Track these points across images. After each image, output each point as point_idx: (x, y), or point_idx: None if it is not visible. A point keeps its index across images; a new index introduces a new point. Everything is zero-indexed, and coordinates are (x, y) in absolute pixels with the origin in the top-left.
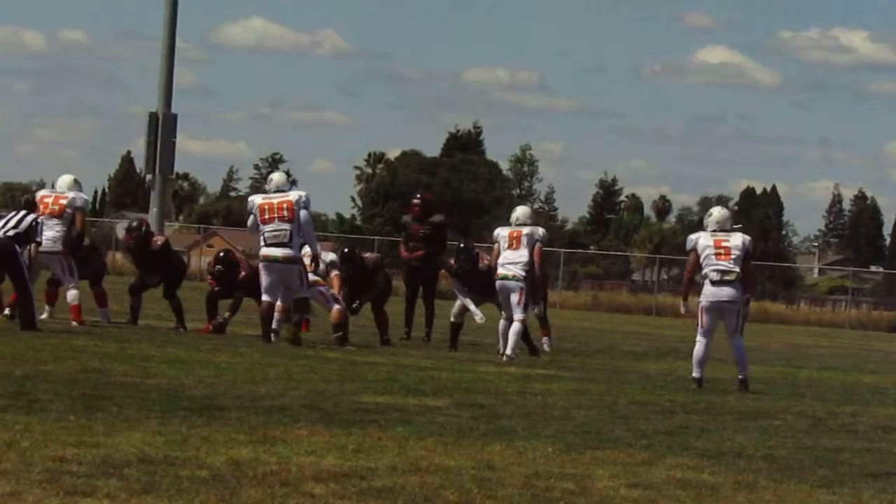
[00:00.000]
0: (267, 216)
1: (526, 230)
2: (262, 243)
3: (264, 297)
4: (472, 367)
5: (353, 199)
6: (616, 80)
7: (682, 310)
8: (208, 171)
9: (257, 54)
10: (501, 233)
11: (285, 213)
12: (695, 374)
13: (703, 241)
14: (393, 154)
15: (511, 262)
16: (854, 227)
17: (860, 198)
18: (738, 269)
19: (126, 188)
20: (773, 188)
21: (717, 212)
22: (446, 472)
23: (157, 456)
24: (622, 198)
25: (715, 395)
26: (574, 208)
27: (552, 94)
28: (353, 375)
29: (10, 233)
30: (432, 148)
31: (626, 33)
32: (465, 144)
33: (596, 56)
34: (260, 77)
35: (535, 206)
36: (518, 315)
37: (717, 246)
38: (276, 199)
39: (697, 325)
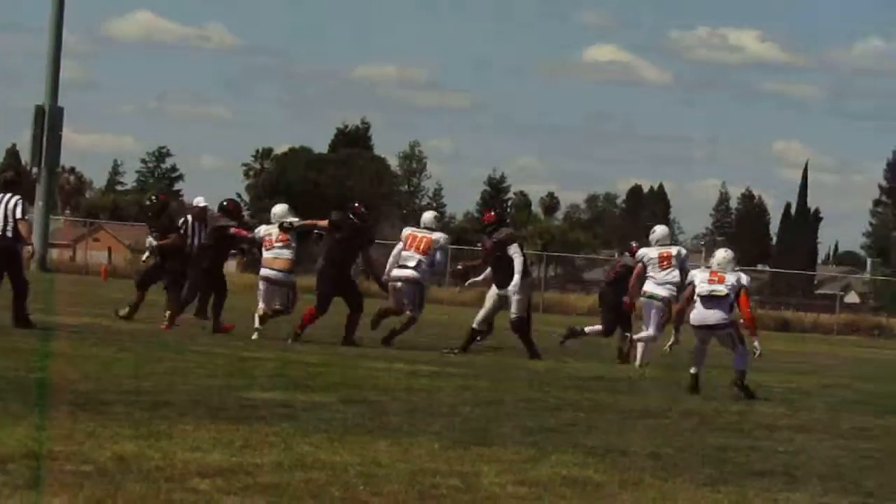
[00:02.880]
0: (408, 244)
1: (674, 250)
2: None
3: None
4: (360, 364)
5: (240, 195)
6: (506, 77)
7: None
8: (94, 165)
9: (144, 48)
10: (650, 253)
11: (421, 246)
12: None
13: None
14: (280, 150)
15: (662, 282)
16: (741, 225)
17: (747, 196)
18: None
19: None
20: (661, 186)
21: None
22: (332, 468)
23: (41, 451)
24: (510, 195)
25: (602, 392)
26: (462, 205)
27: (442, 91)
28: (239, 371)
29: (9, 232)
30: (320, 144)
31: (516, 30)
32: (352, 140)
33: (486, 53)
34: (147, 71)
35: (423, 202)
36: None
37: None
38: (419, 233)
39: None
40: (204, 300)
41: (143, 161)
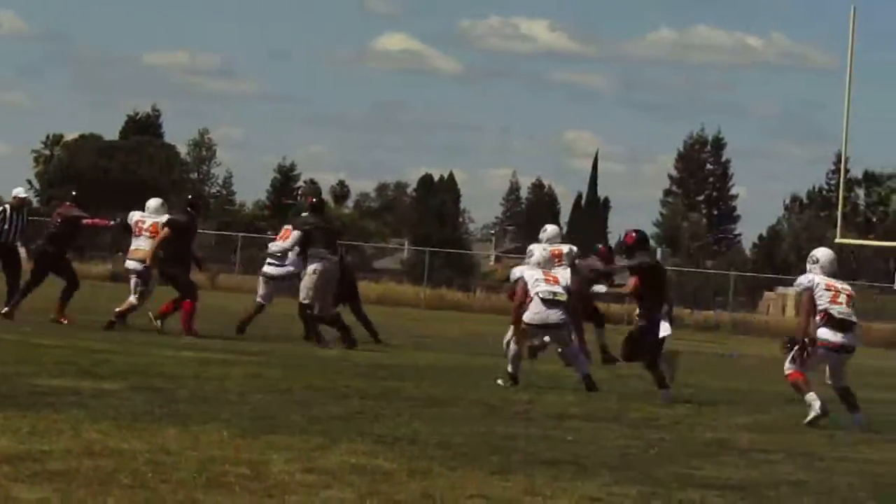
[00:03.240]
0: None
1: (565, 248)
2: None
3: None
4: (148, 351)
5: (30, 182)
6: (299, 65)
7: None
8: None
9: None
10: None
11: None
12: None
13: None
14: (71, 136)
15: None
16: (531, 215)
17: (538, 186)
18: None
19: None
20: (451, 175)
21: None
22: (121, 455)
23: None
24: (300, 183)
25: (391, 381)
26: (251, 193)
27: (233, 79)
28: (28, 357)
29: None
30: (111, 131)
31: (309, 19)
32: (143, 127)
33: (279, 41)
34: None
35: (213, 189)
36: None
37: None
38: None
39: None
40: (21, 291)
41: None
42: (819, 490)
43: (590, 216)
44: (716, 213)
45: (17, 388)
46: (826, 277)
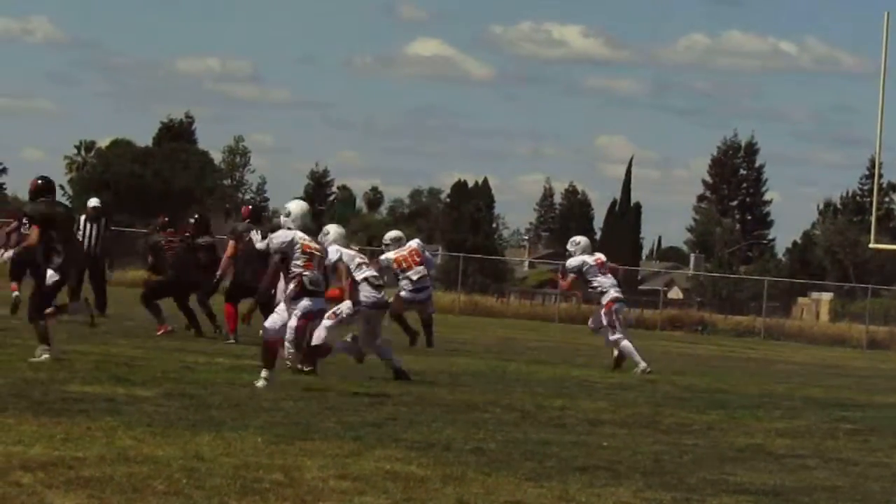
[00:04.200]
0: None
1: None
2: None
3: None
4: (182, 358)
5: (63, 188)
6: (328, 71)
7: None
8: None
9: None
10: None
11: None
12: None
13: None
14: (103, 143)
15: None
16: (564, 220)
17: (571, 191)
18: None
19: None
20: (485, 181)
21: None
22: (155, 461)
23: None
24: (333, 189)
25: (424, 386)
26: (285, 199)
27: (264, 85)
28: (61, 364)
29: None
30: (144, 137)
31: (338, 24)
32: (177, 134)
33: (309, 47)
34: None
35: (247, 196)
36: None
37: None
38: None
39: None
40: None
41: None
42: (853, 495)
43: (623, 222)
44: (749, 218)
45: (51, 394)
46: None
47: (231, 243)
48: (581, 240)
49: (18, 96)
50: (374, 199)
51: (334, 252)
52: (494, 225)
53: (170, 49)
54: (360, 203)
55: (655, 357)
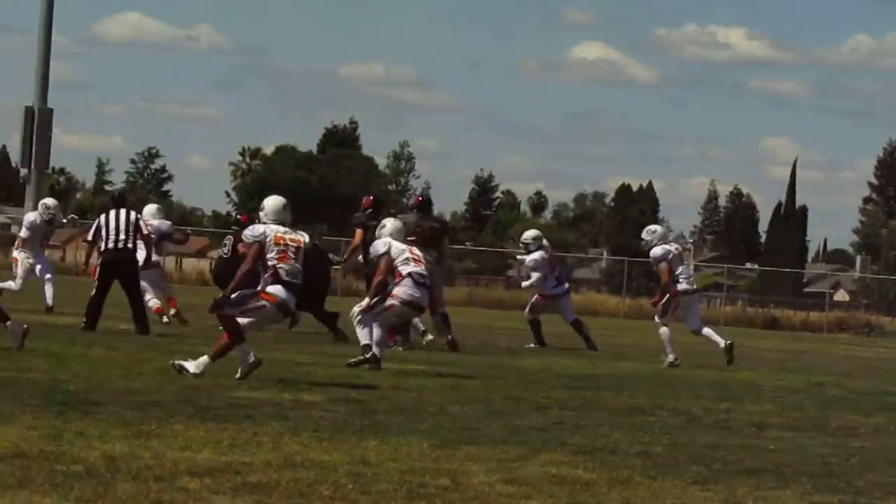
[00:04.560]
0: None
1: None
2: None
3: None
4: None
5: (228, 194)
6: (493, 75)
7: None
8: (84, 166)
9: (133, 48)
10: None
11: None
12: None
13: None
14: (268, 149)
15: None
16: (729, 223)
17: (736, 194)
18: None
19: (1, 183)
20: (650, 184)
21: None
22: (321, 467)
23: (31, 450)
24: (498, 194)
25: (590, 391)
26: (450, 204)
27: (429, 90)
28: (227, 370)
29: (130, 244)
30: (308, 143)
31: (502, 28)
32: (341, 140)
33: (473, 51)
34: (136, 71)
35: (412, 201)
36: None
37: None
38: None
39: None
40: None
41: (133, 161)
42: None
43: (788, 224)
44: None
45: (217, 400)
46: None
47: (358, 232)
48: (657, 228)
49: (184, 103)
50: (539, 203)
51: (382, 245)
52: None
53: (334, 55)
54: (525, 207)
55: (822, 360)
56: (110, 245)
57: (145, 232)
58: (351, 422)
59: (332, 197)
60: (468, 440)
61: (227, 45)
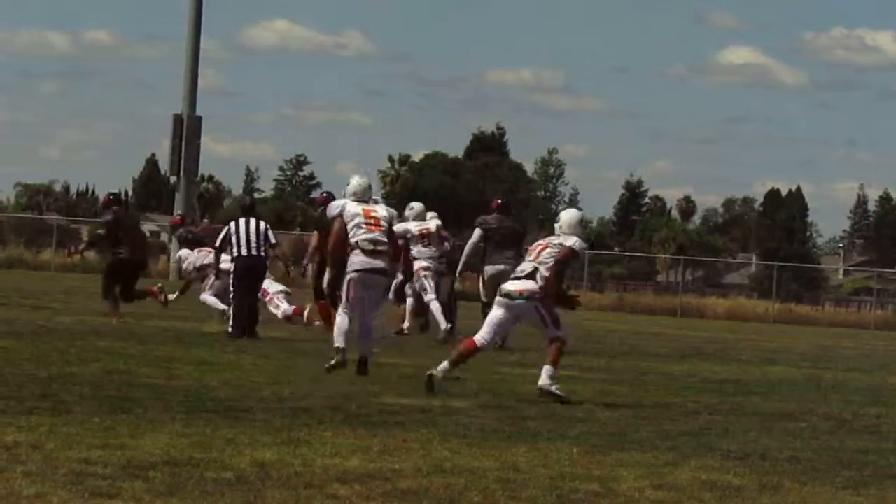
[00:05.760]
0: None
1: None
2: None
3: None
4: (496, 369)
5: (377, 202)
6: (641, 80)
7: None
8: (233, 173)
9: (281, 56)
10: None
11: None
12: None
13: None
14: (417, 156)
15: None
16: (879, 227)
17: (885, 199)
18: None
19: (151, 190)
20: (798, 189)
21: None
22: (471, 473)
23: (181, 458)
24: (647, 199)
25: (739, 396)
26: (599, 209)
27: (577, 95)
28: (376, 377)
29: (262, 252)
30: (455, 149)
31: (650, 33)
32: (488, 146)
33: (621, 56)
34: (284, 78)
35: (560, 207)
36: None
37: (366, 216)
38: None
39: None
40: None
41: (281, 169)
42: None
43: None
44: None
45: (366, 407)
46: None
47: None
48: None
49: (333, 110)
50: (687, 208)
51: (336, 207)
52: (808, 233)
53: (481, 61)
54: (674, 212)
55: None
56: (243, 252)
57: (273, 241)
58: (500, 428)
59: (480, 203)
60: (618, 446)
61: (375, 51)
